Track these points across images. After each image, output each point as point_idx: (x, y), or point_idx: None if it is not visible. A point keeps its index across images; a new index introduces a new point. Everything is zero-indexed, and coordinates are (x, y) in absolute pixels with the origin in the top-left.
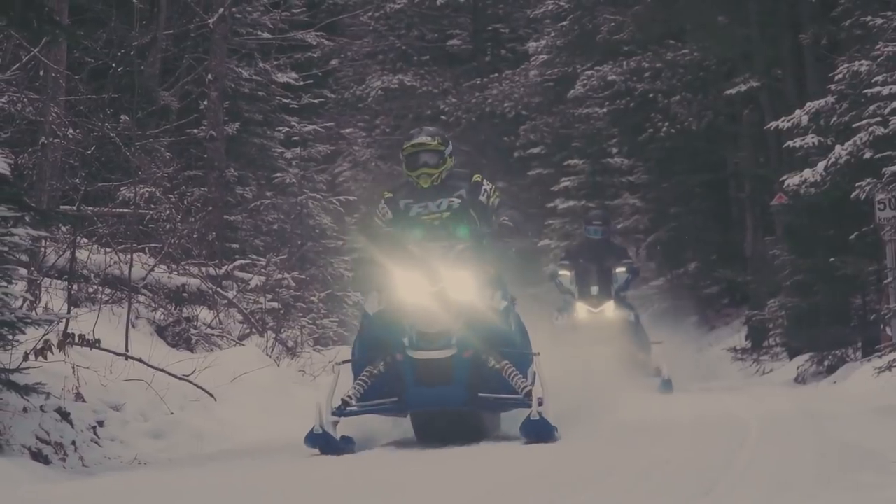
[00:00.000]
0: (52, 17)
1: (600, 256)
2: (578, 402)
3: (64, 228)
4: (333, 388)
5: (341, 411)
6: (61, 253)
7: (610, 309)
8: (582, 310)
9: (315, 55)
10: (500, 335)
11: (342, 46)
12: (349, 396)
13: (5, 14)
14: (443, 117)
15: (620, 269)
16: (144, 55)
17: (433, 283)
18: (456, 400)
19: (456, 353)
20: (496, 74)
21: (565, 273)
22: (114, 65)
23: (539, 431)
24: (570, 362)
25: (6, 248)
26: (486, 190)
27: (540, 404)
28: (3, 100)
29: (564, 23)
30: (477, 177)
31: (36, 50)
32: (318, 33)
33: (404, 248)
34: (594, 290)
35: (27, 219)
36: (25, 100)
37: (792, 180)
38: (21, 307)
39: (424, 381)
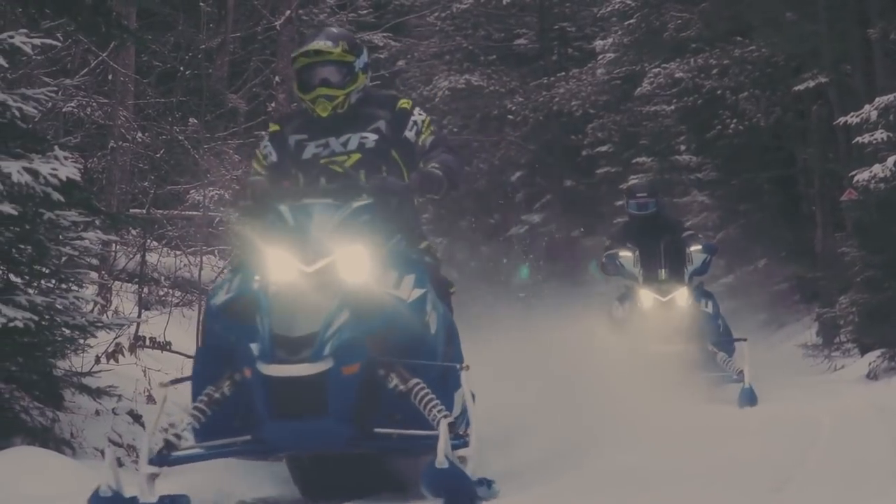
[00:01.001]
0: (120, 21)
1: (657, 235)
2: (633, 413)
3: (134, 232)
4: (156, 421)
5: (164, 458)
6: (131, 256)
7: (682, 297)
8: (647, 298)
9: (382, 56)
10: (410, 340)
11: (409, 47)
12: (177, 434)
13: (73, 19)
14: (510, 116)
15: (695, 248)
16: (212, 58)
17: (307, 262)
18: (334, 438)
19: (332, 367)
20: (563, 73)
21: (627, 254)
22: (182, 68)
23: (448, 486)
24: (629, 363)
25: (77, 253)
26: (415, 123)
27: (463, 444)
28: (72, 104)
29: (631, 21)
30: (404, 102)
31: (104, 54)
32: (384, 34)
33: (276, 207)
34: (662, 273)
35: (97, 223)
36: (94, 104)
37: (861, 176)
38: (92, 311)
39: (284, 409)
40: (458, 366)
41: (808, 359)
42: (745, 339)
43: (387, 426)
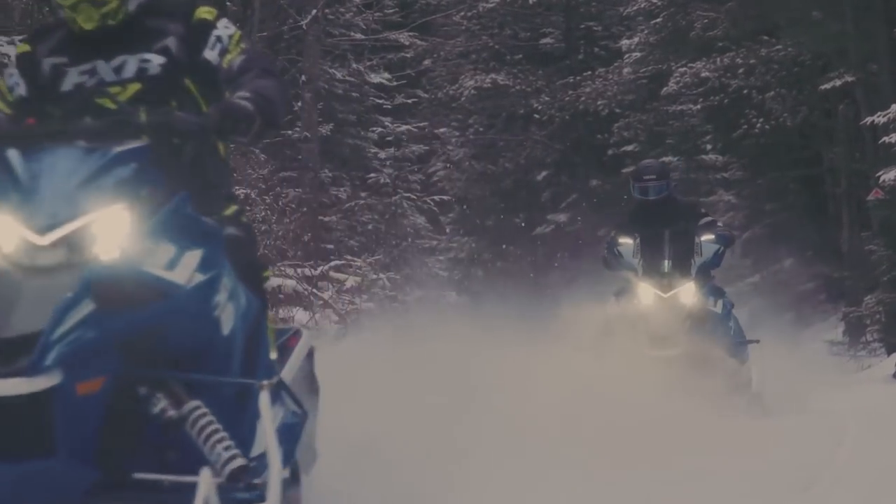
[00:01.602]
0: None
1: (666, 221)
2: (622, 426)
3: None
4: None
5: None
6: None
7: (688, 293)
8: (647, 293)
9: (408, 55)
10: (189, 343)
11: (435, 46)
12: None
13: None
14: (536, 116)
15: (707, 238)
16: None
17: (40, 230)
18: (66, 486)
19: (59, 383)
20: (589, 72)
21: (627, 241)
22: None
23: None
24: (620, 369)
25: None
26: (219, 39)
27: (258, 498)
28: None
29: (657, 20)
30: (205, 12)
31: None
32: (410, 33)
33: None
34: (665, 265)
35: None
36: None
37: (888, 175)
38: None
39: None
40: (256, 383)
41: (834, 357)
42: (757, 341)
43: (152, 469)
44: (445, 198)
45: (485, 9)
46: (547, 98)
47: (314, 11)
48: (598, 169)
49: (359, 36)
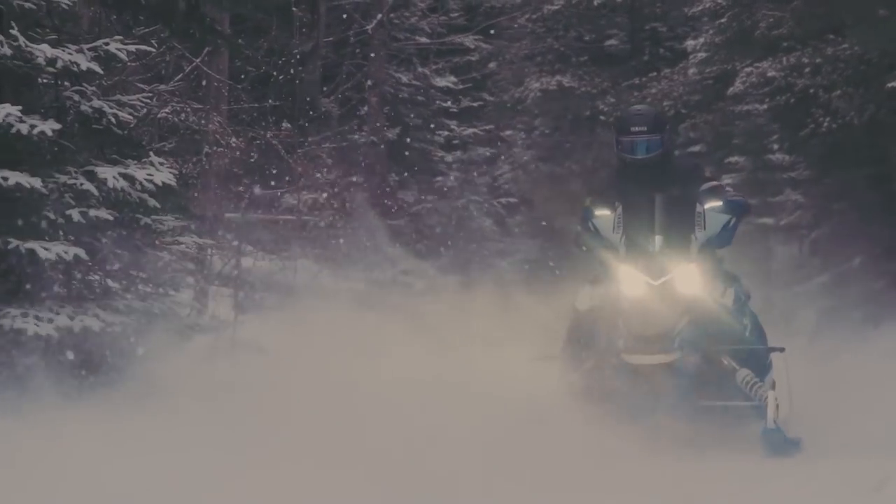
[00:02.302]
0: (214, 27)
1: (658, 186)
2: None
3: (229, 236)
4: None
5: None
6: (227, 260)
7: (686, 279)
8: (631, 280)
9: (473, 59)
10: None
11: (500, 49)
12: None
13: (168, 25)
14: (601, 117)
15: (713, 206)
16: (305, 63)
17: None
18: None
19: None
20: (654, 73)
21: (605, 212)
22: (275, 73)
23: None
24: (587, 384)
25: (174, 257)
26: None
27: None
28: (166, 110)
29: (722, 20)
30: None
31: (198, 60)
32: (476, 37)
33: None
34: (656, 242)
35: (193, 227)
36: (189, 110)
37: None
38: (189, 314)
39: None
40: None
41: None
42: (781, 349)
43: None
44: (512, 200)
45: (549, 11)
46: (612, 99)
47: (379, 16)
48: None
49: (424, 40)
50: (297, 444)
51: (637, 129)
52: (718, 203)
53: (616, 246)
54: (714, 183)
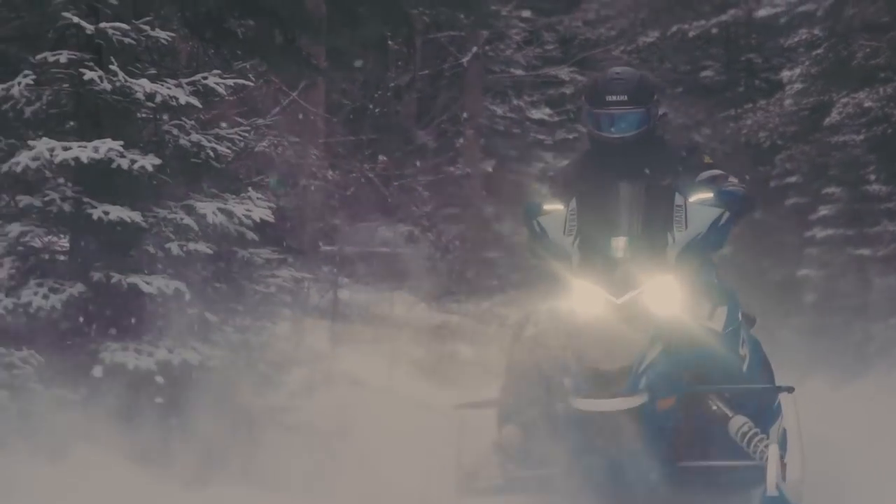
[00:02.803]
0: (310, 60)
1: (636, 175)
2: None
3: (326, 269)
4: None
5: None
6: (324, 293)
7: (658, 296)
8: (586, 297)
9: (568, 91)
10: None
11: None
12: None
13: (265, 59)
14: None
15: (700, 197)
16: (400, 95)
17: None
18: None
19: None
20: (750, 104)
21: (556, 207)
22: (371, 106)
23: None
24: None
25: (271, 290)
26: None
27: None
28: (264, 144)
29: (819, 50)
30: None
31: (295, 94)
32: (570, 68)
33: None
34: (621, 246)
35: (290, 260)
36: (286, 143)
37: None
38: (286, 348)
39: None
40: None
41: None
42: (790, 389)
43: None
44: None
45: (644, 43)
46: (708, 131)
47: (475, 49)
48: (762, 200)
49: (519, 72)
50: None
51: (614, 98)
52: (708, 195)
53: (567, 252)
54: (716, 171)
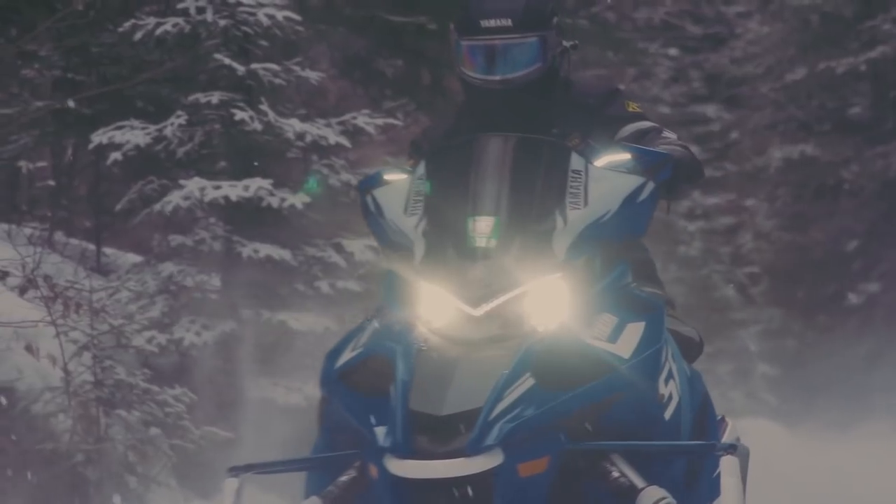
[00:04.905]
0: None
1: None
2: None
3: None
4: None
5: None
6: None
7: (535, 302)
8: (432, 306)
9: (715, 128)
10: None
11: (742, 118)
12: None
13: (413, 98)
14: (846, 186)
15: (611, 160)
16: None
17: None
18: None
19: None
20: None
21: (399, 176)
22: None
23: None
24: None
25: None
26: None
27: None
28: None
29: None
30: None
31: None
32: (717, 106)
33: None
34: (479, 230)
35: None
36: None
37: None
38: None
39: None
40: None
41: None
42: (731, 448)
43: None
44: (755, 270)
45: (791, 80)
46: (856, 168)
47: (622, 87)
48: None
49: (665, 110)
50: None
51: (493, 22)
52: (624, 156)
53: (409, 239)
54: (645, 124)
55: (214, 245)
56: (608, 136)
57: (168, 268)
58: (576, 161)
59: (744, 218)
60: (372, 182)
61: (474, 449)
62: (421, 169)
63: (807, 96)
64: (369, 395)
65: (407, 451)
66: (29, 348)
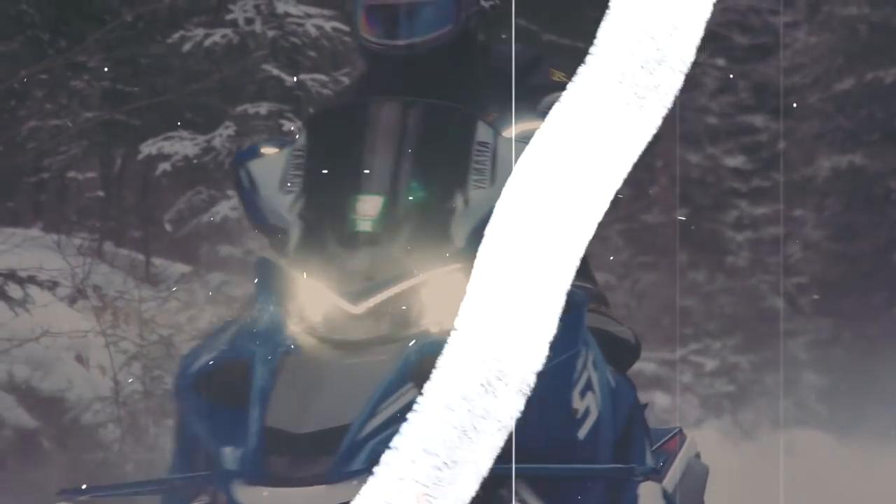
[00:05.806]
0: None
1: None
2: None
3: None
4: None
5: None
6: None
7: (426, 297)
8: (307, 301)
9: (763, 139)
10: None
11: (790, 128)
12: None
13: None
14: (893, 196)
15: (530, 128)
16: None
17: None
18: None
19: None
20: None
21: (270, 150)
22: None
23: None
24: None
25: None
26: None
27: None
28: None
29: None
30: None
31: None
32: (765, 116)
33: None
34: (365, 211)
35: None
36: None
37: None
38: None
39: None
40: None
41: None
42: (653, 472)
43: None
44: (803, 281)
45: (840, 90)
46: None
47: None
48: None
49: (713, 120)
50: None
51: None
52: (539, 124)
53: (284, 220)
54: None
55: None
56: (528, 106)
57: (217, 278)
58: (483, 131)
59: (792, 228)
60: (247, 154)
61: (336, 475)
62: (300, 140)
63: (855, 106)
64: (223, 407)
65: (258, 476)
66: (79, 358)
